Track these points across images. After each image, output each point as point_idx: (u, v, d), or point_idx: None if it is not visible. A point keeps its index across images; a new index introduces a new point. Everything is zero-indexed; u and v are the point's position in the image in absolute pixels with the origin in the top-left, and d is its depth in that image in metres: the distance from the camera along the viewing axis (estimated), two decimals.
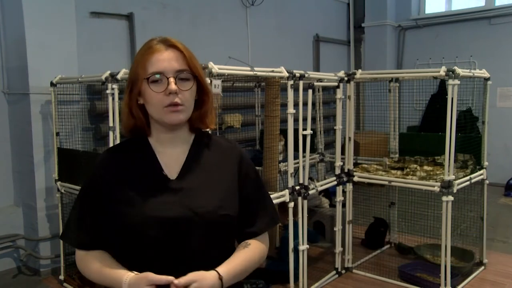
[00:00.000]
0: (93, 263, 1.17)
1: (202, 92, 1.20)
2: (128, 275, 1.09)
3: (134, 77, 1.15)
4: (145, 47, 1.16)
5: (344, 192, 3.35)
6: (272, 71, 2.70)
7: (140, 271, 1.11)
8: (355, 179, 3.33)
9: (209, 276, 1.08)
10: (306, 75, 2.86)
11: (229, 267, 1.14)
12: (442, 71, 2.79)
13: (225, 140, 1.32)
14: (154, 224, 1.11)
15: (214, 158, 1.24)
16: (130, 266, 1.15)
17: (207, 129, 1.29)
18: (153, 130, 1.20)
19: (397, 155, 3.68)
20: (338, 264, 3.39)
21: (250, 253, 1.22)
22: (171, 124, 1.16)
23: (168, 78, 1.12)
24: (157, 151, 1.20)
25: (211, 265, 1.13)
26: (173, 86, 1.11)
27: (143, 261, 1.13)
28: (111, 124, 2.72)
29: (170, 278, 1.03)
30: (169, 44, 1.15)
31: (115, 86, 2.70)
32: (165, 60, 1.13)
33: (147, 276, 1.04)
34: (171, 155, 1.20)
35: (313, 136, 3.72)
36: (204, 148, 1.24)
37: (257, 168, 3.01)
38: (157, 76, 1.11)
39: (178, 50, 1.15)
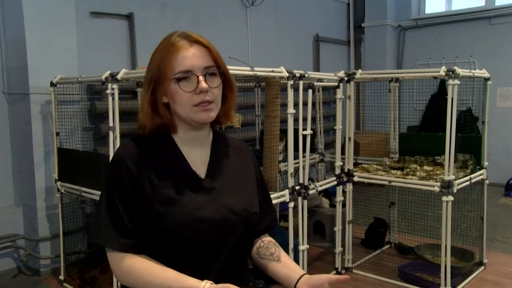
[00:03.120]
0: (148, 270, 1.07)
1: (226, 88, 1.17)
2: (205, 285, 1.01)
3: (157, 76, 1.10)
4: (166, 44, 1.11)
5: (344, 192, 3.35)
6: (272, 71, 2.70)
7: (175, 269, 1.08)
8: (355, 179, 3.33)
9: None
10: (306, 75, 2.86)
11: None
12: (442, 71, 2.79)
13: (235, 140, 1.33)
14: (196, 224, 1.09)
15: (233, 158, 1.24)
16: (163, 263, 1.10)
17: (226, 125, 1.29)
18: (179, 128, 1.17)
19: (397, 155, 3.68)
20: (338, 264, 3.39)
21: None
22: (201, 123, 1.13)
23: (197, 77, 1.08)
24: (182, 149, 1.17)
25: (240, 261, 1.18)
26: (203, 84, 1.08)
27: (177, 260, 1.10)
28: (111, 124, 2.71)
29: None
30: (193, 40, 1.11)
31: (115, 86, 2.69)
32: (192, 57, 1.08)
33: None
34: (195, 154, 1.18)
35: (313, 136, 3.72)
36: (223, 148, 1.24)
37: None
38: (185, 75, 1.08)
39: (203, 46, 1.11)
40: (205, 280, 1.02)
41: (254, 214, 1.19)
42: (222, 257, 1.13)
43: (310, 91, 2.93)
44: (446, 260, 2.88)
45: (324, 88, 4.22)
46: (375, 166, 3.51)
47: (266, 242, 1.27)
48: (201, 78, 1.08)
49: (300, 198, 2.89)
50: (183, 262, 1.09)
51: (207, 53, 1.11)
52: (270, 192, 2.72)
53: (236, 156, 1.26)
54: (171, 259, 1.10)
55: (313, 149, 3.97)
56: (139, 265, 1.08)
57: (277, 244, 1.29)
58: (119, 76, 2.68)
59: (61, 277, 3.32)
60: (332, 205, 4.14)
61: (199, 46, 1.11)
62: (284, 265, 1.22)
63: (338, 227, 3.34)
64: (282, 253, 1.26)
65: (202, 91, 1.08)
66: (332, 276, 1.12)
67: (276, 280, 1.23)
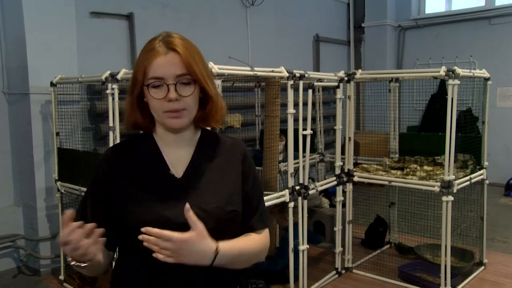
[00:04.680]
0: None
1: (205, 94, 1.18)
2: None
3: (135, 80, 1.14)
4: (148, 48, 1.13)
5: (344, 192, 3.35)
6: (272, 71, 2.70)
7: (149, 268, 1.13)
8: (355, 179, 3.33)
9: (207, 243, 1.07)
10: (306, 75, 2.86)
11: (228, 245, 1.12)
12: (442, 71, 2.79)
13: (230, 139, 1.32)
14: (162, 223, 1.09)
15: (219, 156, 1.25)
16: (137, 263, 1.15)
17: (226, 125, 1.29)
18: (158, 128, 1.21)
19: (397, 155, 3.68)
20: (338, 264, 3.39)
21: (250, 241, 1.22)
22: (172, 128, 1.17)
23: (168, 86, 1.10)
24: (162, 149, 1.20)
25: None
26: (172, 94, 1.09)
27: (151, 260, 1.10)
28: (111, 124, 2.72)
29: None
30: (170, 47, 1.11)
31: (115, 86, 2.70)
32: (165, 65, 1.10)
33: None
34: (176, 154, 1.20)
35: (313, 136, 3.72)
36: (209, 147, 1.25)
37: (257, 168, 3.03)
38: (157, 83, 1.10)
39: (178, 54, 1.11)
40: None
41: (230, 213, 1.17)
42: None
43: (310, 91, 2.93)
44: (446, 260, 2.88)
45: (324, 88, 4.22)
46: (375, 166, 3.51)
47: (248, 234, 1.25)
48: (171, 88, 1.10)
49: (300, 198, 2.89)
50: (154, 261, 1.09)
51: (182, 61, 1.11)
52: (270, 192, 2.74)
53: (224, 155, 1.25)
54: (144, 255, 1.11)
55: (313, 149, 3.97)
56: None
57: (258, 238, 1.25)
58: (119, 76, 2.68)
59: (61, 277, 3.32)
60: (332, 205, 4.13)
61: (175, 53, 1.11)
62: None
63: (338, 227, 3.34)
64: (242, 238, 1.21)
65: (171, 99, 1.10)
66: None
67: None
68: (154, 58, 1.10)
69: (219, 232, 1.15)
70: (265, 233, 1.30)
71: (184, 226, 1.10)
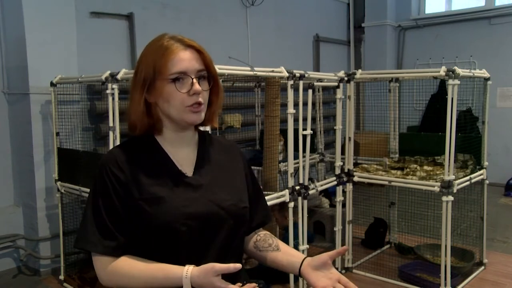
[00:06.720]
0: (131, 266, 1.11)
1: (213, 92, 1.21)
2: (187, 268, 1.05)
3: (152, 76, 1.13)
4: (160, 46, 1.14)
5: (344, 192, 3.35)
6: (272, 71, 2.70)
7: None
8: (355, 179, 3.33)
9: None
10: (306, 75, 2.86)
11: None
12: (442, 71, 2.79)
13: (223, 139, 1.38)
14: (185, 221, 1.11)
15: (220, 156, 1.28)
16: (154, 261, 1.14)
17: (208, 128, 1.32)
18: (165, 129, 1.20)
19: (397, 155, 3.68)
20: (338, 264, 3.39)
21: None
22: (191, 124, 1.18)
23: (192, 79, 1.13)
24: (167, 150, 1.21)
25: (232, 257, 1.19)
26: (197, 86, 1.13)
27: (168, 257, 1.12)
28: (111, 124, 2.71)
29: (238, 265, 1.03)
30: (187, 44, 1.15)
31: (115, 86, 2.69)
32: (187, 60, 1.13)
33: (214, 267, 1.02)
34: (181, 154, 1.21)
35: (313, 136, 3.72)
36: (209, 147, 1.28)
37: (257, 168, 3.04)
38: (179, 77, 1.12)
39: (197, 50, 1.16)
40: (187, 265, 1.07)
41: (243, 209, 1.22)
42: (213, 252, 1.15)
43: (310, 91, 2.93)
44: (446, 260, 2.88)
45: (324, 88, 4.23)
46: (375, 166, 3.51)
47: (263, 235, 1.32)
48: (195, 80, 1.13)
49: (300, 198, 2.89)
50: (174, 259, 1.11)
51: (200, 57, 1.16)
52: (270, 192, 2.74)
53: (224, 154, 1.29)
54: (162, 257, 1.12)
55: (313, 149, 3.97)
56: (122, 263, 1.12)
57: (273, 236, 1.33)
58: (119, 76, 2.68)
59: (61, 277, 3.32)
60: (332, 205, 4.14)
61: (193, 50, 1.16)
62: (285, 252, 1.27)
63: (338, 227, 3.34)
64: (280, 242, 1.30)
65: (195, 93, 1.13)
66: (331, 252, 1.18)
67: (278, 269, 1.27)
68: (175, 53, 1.12)
69: (236, 227, 1.20)
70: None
71: (206, 220, 1.14)
